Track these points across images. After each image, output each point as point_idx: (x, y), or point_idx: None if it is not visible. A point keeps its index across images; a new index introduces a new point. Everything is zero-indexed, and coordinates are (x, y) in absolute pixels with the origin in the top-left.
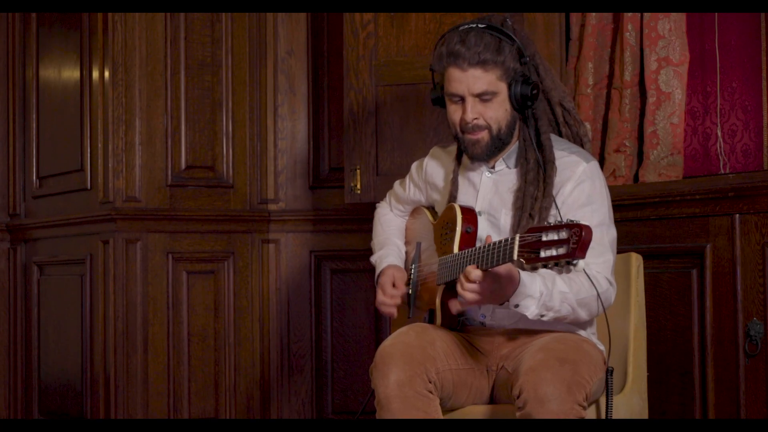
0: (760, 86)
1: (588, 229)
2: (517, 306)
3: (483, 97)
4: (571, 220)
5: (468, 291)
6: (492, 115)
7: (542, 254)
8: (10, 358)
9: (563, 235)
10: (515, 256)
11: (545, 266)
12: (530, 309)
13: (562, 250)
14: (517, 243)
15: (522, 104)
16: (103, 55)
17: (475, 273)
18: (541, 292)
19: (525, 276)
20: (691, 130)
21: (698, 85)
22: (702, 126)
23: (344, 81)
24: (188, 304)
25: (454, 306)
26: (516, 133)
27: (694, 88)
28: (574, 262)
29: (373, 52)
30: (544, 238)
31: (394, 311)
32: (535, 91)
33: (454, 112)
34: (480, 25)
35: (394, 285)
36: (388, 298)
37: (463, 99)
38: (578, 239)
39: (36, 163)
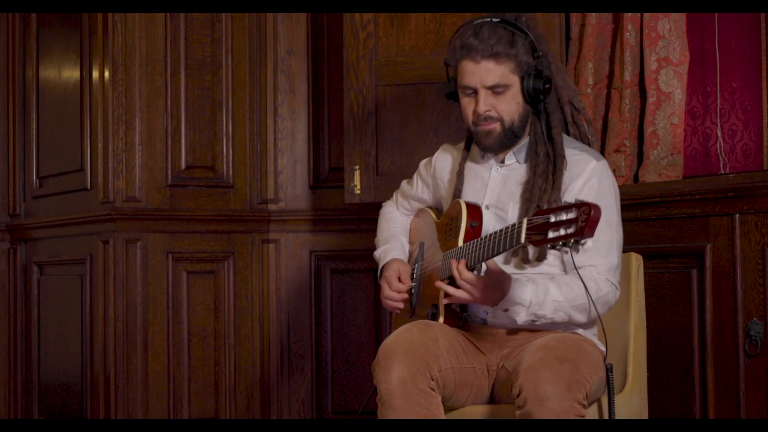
0: (760, 86)
1: (597, 208)
2: (506, 310)
3: (495, 89)
4: (580, 200)
5: (463, 288)
6: (504, 107)
7: (550, 235)
8: (10, 358)
9: (571, 215)
10: (522, 240)
11: (553, 247)
12: (520, 315)
13: (570, 230)
14: (524, 226)
15: (534, 98)
16: (103, 55)
17: (466, 274)
18: (530, 301)
19: (516, 284)
20: (691, 130)
21: (698, 85)
22: (702, 126)
23: (344, 81)
24: (188, 304)
25: (443, 296)
26: (527, 127)
27: (694, 88)
28: (583, 241)
29: (373, 52)
30: (552, 219)
31: (399, 305)
32: (547, 86)
33: (467, 104)
34: (494, 20)
35: (399, 279)
36: (395, 293)
37: (476, 92)
38: (587, 217)
39: (36, 163)
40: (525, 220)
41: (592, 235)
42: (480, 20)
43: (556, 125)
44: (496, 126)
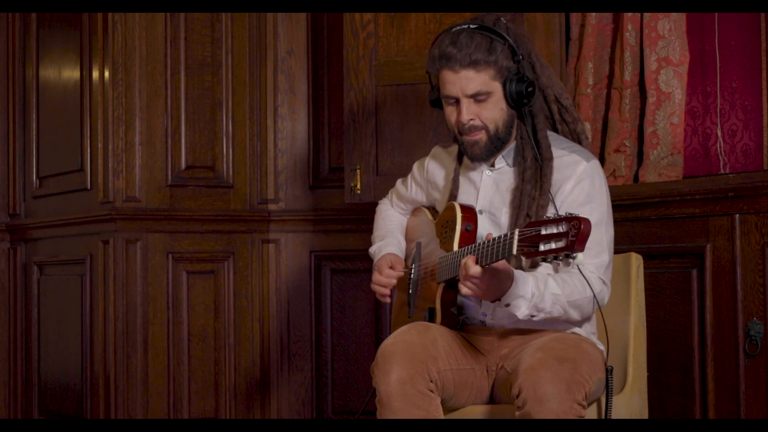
0: (760, 86)
1: (587, 222)
2: (508, 305)
3: (477, 97)
4: (571, 214)
5: (467, 285)
6: (488, 115)
7: (541, 248)
8: (10, 358)
9: (562, 228)
10: (515, 251)
11: (545, 260)
12: (521, 309)
13: (561, 243)
14: (516, 237)
15: (518, 102)
16: (103, 55)
17: (474, 269)
18: (532, 294)
19: (519, 275)
20: (691, 130)
21: (698, 85)
22: (702, 126)
23: (344, 81)
24: (188, 304)
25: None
26: (514, 131)
27: (694, 88)
28: (573, 255)
29: (373, 52)
30: (543, 232)
31: (386, 292)
32: (530, 89)
33: (451, 114)
34: (471, 26)
35: (391, 267)
36: (384, 278)
37: (458, 101)
38: (577, 232)
39: (36, 163)
40: (516, 232)
41: (582, 250)
42: (457, 27)
43: (542, 128)
44: (482, 135)
